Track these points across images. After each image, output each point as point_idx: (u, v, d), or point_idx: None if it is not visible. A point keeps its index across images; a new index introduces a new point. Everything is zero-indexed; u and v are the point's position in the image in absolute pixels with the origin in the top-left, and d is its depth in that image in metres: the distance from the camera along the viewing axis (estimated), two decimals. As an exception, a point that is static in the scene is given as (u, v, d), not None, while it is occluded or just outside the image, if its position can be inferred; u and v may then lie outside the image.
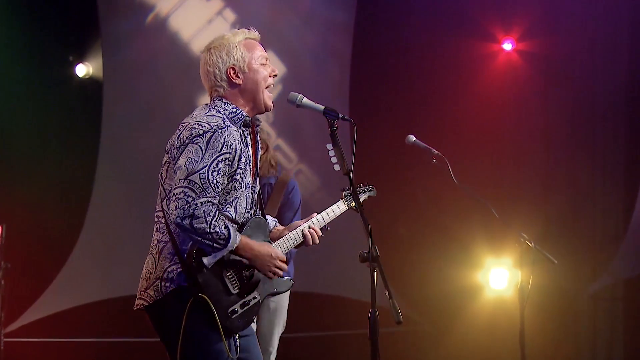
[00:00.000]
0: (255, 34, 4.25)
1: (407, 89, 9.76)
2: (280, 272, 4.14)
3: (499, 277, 9.35)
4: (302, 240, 4.35)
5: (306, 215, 4.47)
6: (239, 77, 4.14)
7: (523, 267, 6.00)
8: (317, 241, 4.38)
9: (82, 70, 9.60)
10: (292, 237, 4.33)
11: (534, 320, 7.73)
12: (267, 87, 4.20)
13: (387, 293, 3.69)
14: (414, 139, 5.80)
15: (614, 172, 9.19)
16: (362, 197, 4.70)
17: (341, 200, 4.53)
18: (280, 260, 4.13)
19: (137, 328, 7.20)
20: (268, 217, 4.40)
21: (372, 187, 4.79)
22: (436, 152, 5.76)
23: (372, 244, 3.77)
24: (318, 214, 4.43)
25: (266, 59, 4.23)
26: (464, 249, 9.30)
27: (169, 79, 9.67)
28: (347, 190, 4.52)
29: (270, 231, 4.35)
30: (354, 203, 4.46)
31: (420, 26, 9.67)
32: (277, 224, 4.46)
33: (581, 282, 9.12)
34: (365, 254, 3.79)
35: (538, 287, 6.52)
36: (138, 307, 4.08)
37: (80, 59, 9.62)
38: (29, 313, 9.09)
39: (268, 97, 4.22)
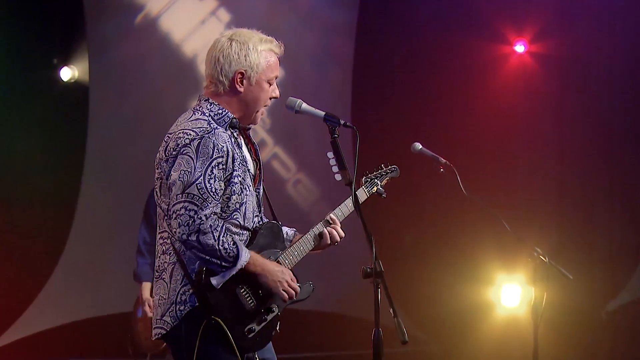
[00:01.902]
0: (280, 48, 4.24)
1: (413, 93, 9.78)
2: (292, 293, 4.12)
3: (511, 294, 9.34)
4: (319, 241, 4.34)
5: (305, 227, 4.47)
6: (242, 85, 4.14)
7: (536, 283, 5.99)
8: (338, 239, 4.37)
9: (67, 73, 9.61)
10: (306, 240, 4.31)
11: (548, 340, 7.70)
12: (264, 106, 4.22)
13: (391, 311, 3.69)
14: (420, 147, 5.81)
15: (633, 182, 9.19)
16: (384, 180, 4.71)
17: (361, 188, 4.54)
18: (290, 280, 4.12)
19: (123, 348, 7.24)
20: (286, 228, 4.40)
21: (394, 168, 4.79)
22: (444, 161, 5.77)
23: (376, 259, 3.78)
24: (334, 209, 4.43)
25: (276, 77, 4.23)
26: (473, 264, 9.30)
27: (159, 83, 9.69)
28: (369, 174, 4.56)
29: (290, 241, 4.35)
30: (375, 188, 4.51)
31: (427, 27, 9.69)
32: (296, 233, 4.45)
33: (598, 299, 9.11)
34: (369, 269, 3.80)
35: (552, 304, 6.50)
36: (156, 336, 4.06)
37: (65, 61, 9.63)
38: (9, 333, 9.08)
39: (260, 114, 4.23)
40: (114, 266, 9.07)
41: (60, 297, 9.31)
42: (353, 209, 4.40)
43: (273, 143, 9.74)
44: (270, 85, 4.20)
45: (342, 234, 4.40)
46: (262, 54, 4.15)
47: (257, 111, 4.20)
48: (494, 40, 9.59)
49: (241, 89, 4.14)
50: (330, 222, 4.39)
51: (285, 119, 9.31)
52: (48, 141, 9.39)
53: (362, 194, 4.57)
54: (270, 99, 4.23)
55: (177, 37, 9.68)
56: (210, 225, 3.87)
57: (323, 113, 4.13)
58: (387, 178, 4.75)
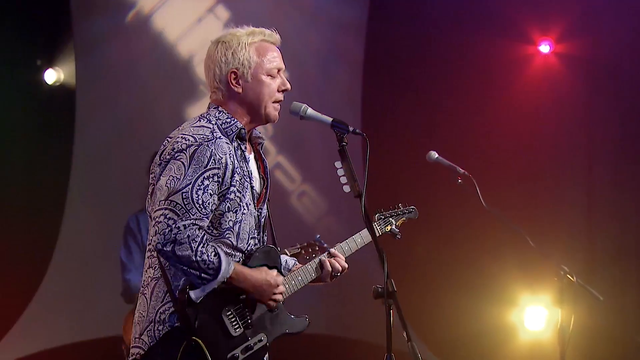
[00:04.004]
0: (274, 36, 4.28)
1: (429, 98, 9.78)
2: (280, 298, 4.15)
3: (535, 317, 9.33)
4: (320, 271, 4.37)
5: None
6: (238, 85, 4.18)
7: (563, 305, 6.00)
8: (339, 270, 4.41)
9: (51, 76, 9.62)
10: (306, 270, 4.35)
11: (577, 366, 7.72)
12: (274, 102, 4.23)
13: (405, 335, 3.70)
14: (437, 155, 5.83)
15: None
16: (400, 220, 4.73)
17: (374, 225, 4.55)
18: (276, 285, 4.14)
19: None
20: (286, 257, 4.44)
21: (412, 209, 4.82)
22: (462, 171, 5.79)
23: (388, 278, 3.79)
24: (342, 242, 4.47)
25: (279, 70, 4.24)
26: (494, 284, 9.29)
27: (152, 87, 9.72)
28: (382, 212, 4.58)
29: (290, 269, 4.38)
30: (389, 227, 4.54)
31: (444, 25, 9.70)
32: (297, 263, 4.48)
33: (631, 323, 9.09)
34: (380, 289, 3.81)
35: (581, 328, 6.52)
36: (134, 356, 4.08)
37: (50, 63, 9.65)
38: (-11, 358, 9.11)
39: (273, 109, 4.24)
40: (100, 286, 9.07)
41: (43, 320, 9.30)
42: (361, 245, 4.49)
43: (276, 151, 9.75)
44: (273, 77, 4.21)
45: (345, 266, 4.44)
46: (251, 47, 4.19)
47: (265, 107, 4.21)
48: (516, 39, 9.59)
49: (239, 89, 4.18)
50: (332, 255, 4.42)
51: (290, 125, 9.29)
52: (30, 150, 9.39)
53: (366, 235, 4.57)
54: (280, 91, 4.24)
55: (171, 36, 9.71)
56: (188, 236, 3.89)
57: (330, 119, 4.15)
58: (404, 218, 4.79)
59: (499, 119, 9.55)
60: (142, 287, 4.13)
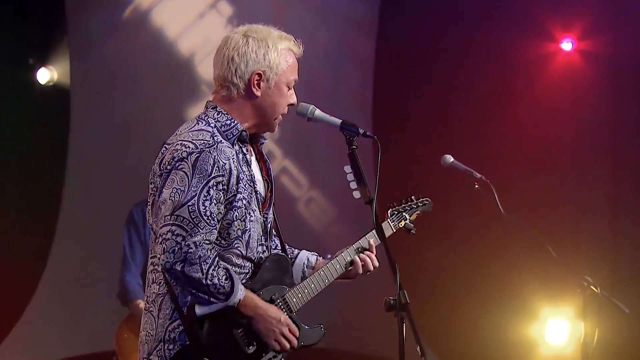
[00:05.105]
0: (299, 49, 4.28)
1: (443, 98, 9.78)
2: (287, 346, 4.10)
3: (557, 330, 9.33)
4: (347, 270, 4.36)
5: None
6: (258, 88, 4.15)
7: (587, 317, 6.00)
8: (371, 268, 4.40)
9: (44, 75, 9.65)
10: (330, 269, 4.33)
11: (601, 383, 7.71)
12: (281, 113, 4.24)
13: (418, 349, 3.71)
14: (452, 159, 5.83)
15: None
16: (415, 214, 4.73)
17: (386, 221, 4.55)
18: (289, 329, 4.11)
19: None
20: (307, 253, 4.43)
21: (426, 201, 4.82)
22: (479, 175, 5.79)
23: (400, 289, 3.80)
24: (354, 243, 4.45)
25: (295, 82, 4.25)
26: (514, 295, 9.29)
27: (150, 87, 9.73)
28: (394, 207, 4.58)
29: (313, 267, 4.38)
30: (403, 223, 4.53)
31: (459, 22, 9.70)
32: (319, 258, 4.47)
33: (659, 336, 9.09)
34: (392, 301, 3.81)
35: (605, 342, 6.51)
36: None
37: (43, 61, 9.67)
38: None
39: (277, 123, 4.26)
40: (96, 299, 9.08)
41: (37, 333, 9.32)
42: (376, 244, 4.45)
43: (282, 155, 9.76)
44: (289, 89, 4.22)
45: (377, 264, 4.42)
46: (282, 53, 4.18)
47: (276, 119, 4.22)
48: (536, 37, 9.59)
49: (258, 93, 4.15)
50: (366, 247, 4.41)
51: (297, 127, 9.30)
52: (22, 153, 9.39)
53: (388, 229, 4.58)
54: (288, 105, 4.24)
55: (171, 33, 9.71)
56: (200, 256, 3.87)
57: (339, 121, 4.16)
58: (418, 212, 4.78)
59: (518, 120, 9.54)
60: (147, 303, 4.11)
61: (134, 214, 7.39)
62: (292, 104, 4.25)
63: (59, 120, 9.58)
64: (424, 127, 9.70)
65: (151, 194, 4.10)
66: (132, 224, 7.33)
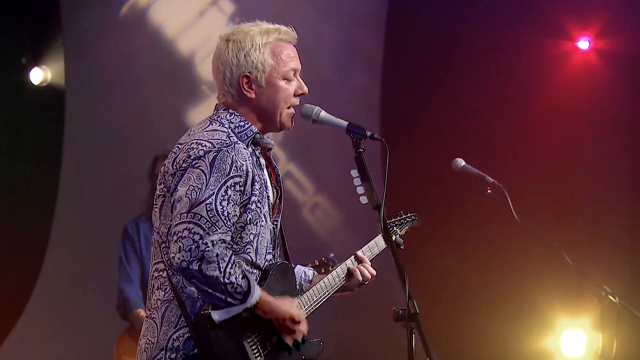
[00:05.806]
0: (291, 34, 4.24)
1: (455, 99, 9.78)
2: (299, 336, 4.11)
3: (574, 342, 9.31)
4: (347, 280, 4.37)
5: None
6: (251, 90, 4.15)
7: (605, 329, 5.99)
8: (369, 277, 4.41)
9: (38, 75, 9.65)
10: (330, 281, 4.33)
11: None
12: (288, 107, 4.22)
13: (428, 362, 3.69)
14: (463, 163, 5.82)
15: None
16: (403, 230, 4.74)
17: (379, 236, 4.55)
18: (298, 322, 4.10)
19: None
20: (303, 267, 4.44)
21: (414, 216, 4.82)
22: (492, 180, 5.78)
23: (409, 298, 3.79)
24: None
25: (295, 71, 4.22)
26: (528, 306, 9.28)
27: (149, 87, 9.73)
28: (394, 218, 4.60)
29: (310, 281, 4.39)
30: (393, 237, 4.55)
31: (471, 20, 9.70)
32: (316, 273, 4.48)
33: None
34: (401, 311, 3.81)
35: (624, 355, 6.49)
36: None
37: (36, 61, 9.68)
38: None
39: (287, 116, 4.23)
40: (92, 309, 9.08)
41: (31, 344, 9.32)
42: (376, 253, 4.50)
43: (286, 159, 9.76)
44: (289, 80, 4.20)
45: (374, 272, 4.44)
46: (266, 48, 4.15)
47: (280, 115, 4.20)
48: (552, 35, 9.59)
49: (252, 95, 4.15)
50: (360, 260, 4.43)
51: (301, 129, 9.24)
52: (14, 157, 9.40)
53: (382, 242, 4.58)
54: (297, 95, 4.22)
55: (170, 31, 9.72)
56: (217, 254, 3.84)
57: (346, 123, 4.16)
58: (407, 227, 4.82)
59: (533, 122, 9.54)
60: (149, 310, 4.09)
61: (129, 229, 7.53)
62: (302, 94, 4.24)
63: (53, 122, 9.58)
64: (434, 129, 9.69)
65: (160, 195, 4.08)
66: (127, 239, 7.47)
